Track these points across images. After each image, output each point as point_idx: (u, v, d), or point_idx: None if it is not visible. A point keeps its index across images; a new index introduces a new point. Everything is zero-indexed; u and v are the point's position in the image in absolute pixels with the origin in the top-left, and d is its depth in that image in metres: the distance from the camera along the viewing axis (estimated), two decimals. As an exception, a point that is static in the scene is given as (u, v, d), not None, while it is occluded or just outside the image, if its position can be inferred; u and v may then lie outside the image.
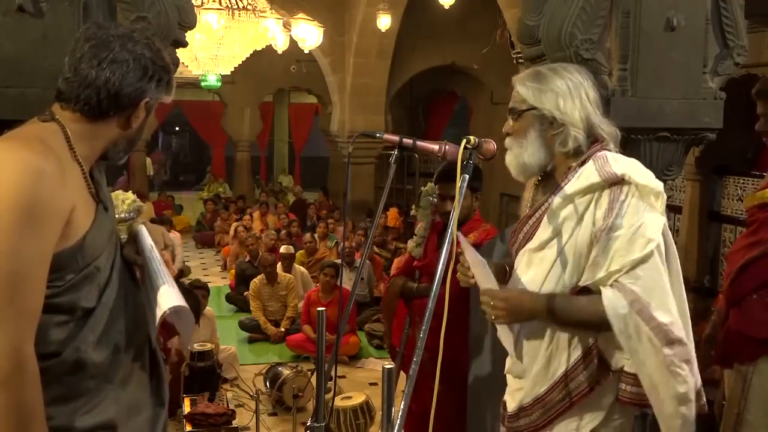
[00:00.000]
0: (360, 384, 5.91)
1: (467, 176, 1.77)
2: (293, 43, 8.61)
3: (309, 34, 8.36)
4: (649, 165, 2.23)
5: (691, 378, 1.89)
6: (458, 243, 1.82)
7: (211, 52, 7.88)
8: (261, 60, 10.83)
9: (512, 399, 2.12)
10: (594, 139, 1.99)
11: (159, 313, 1.66)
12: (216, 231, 12.39)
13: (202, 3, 7.18)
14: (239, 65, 8.51)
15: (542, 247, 1.99)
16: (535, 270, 2.01)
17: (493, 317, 1.98)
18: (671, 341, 1.85)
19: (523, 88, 2.01)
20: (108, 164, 1.76)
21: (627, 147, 2.42)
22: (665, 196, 1.93)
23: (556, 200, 1.96)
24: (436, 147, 1.89)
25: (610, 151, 1.98)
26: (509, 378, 2.15)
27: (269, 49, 8.83)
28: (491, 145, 1.87)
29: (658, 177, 2.01)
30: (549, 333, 1.99)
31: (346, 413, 4.61)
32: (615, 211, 1.88)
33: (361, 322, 7.32)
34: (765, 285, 2.52)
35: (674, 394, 1.87)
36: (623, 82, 2.59)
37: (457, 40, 11.57)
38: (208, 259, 11.63)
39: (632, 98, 2.59)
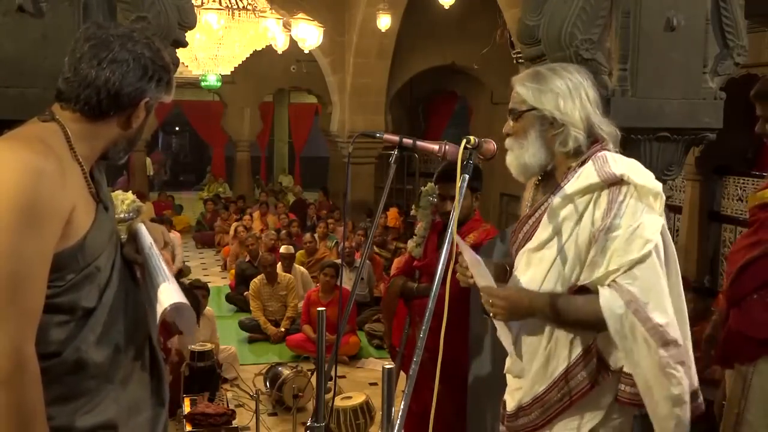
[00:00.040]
0: (360, 384, 5.91)
1: (467, 176, 1.77)
2: (293, 43, 8.61)
3: (309, 34, 8.37)
4: (649, 165, 2.23)
5: (685, 380, 1.89)
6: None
7: (211, 52, 7.88)
8: (261, 60, 10.83)
9: (512, 398, 2.12)
10: (594, 139, 1.99)
11: (160, 310, 1.66)
12: (216, 231, 12.39)
13: (202, 3, 7.18)
14: (239, 65, 8.52)
15: (541, 247, 2.00)
16: (534, 270, 2.01)
17: (491, 314, 1.99)
18: (667, 342, 1.85)
19: (522, 89, 2.01)
20: (108, 164, 1.76)
21: (627, 147, 2.42)
22: (664, 197, 1.93)
23: (556, 200, 1.96)
24: (436, 147, 1.89)
25: (609, 151, 1.98)
26: (509, 377, 2.16)
27: (269, 49, 8.83)
28: (491, 145, 1.87)
29: (658, 177, 2.02)
30: (548, 332, 1.99)
31: (346, 413, 4.61)
32: (613, 212, 1.88)
33: (361, 322, 7.32)
34: (765, 285, 2.52)
35: (668, 395, 1.87)
36: (623, 82, 2.59)
37: (457, 40, 11.57)
38: (208, 259, 11.63)
39: (632, 98, 2.59)
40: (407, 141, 1.96)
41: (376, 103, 11.76)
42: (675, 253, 2.00)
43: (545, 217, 1.99)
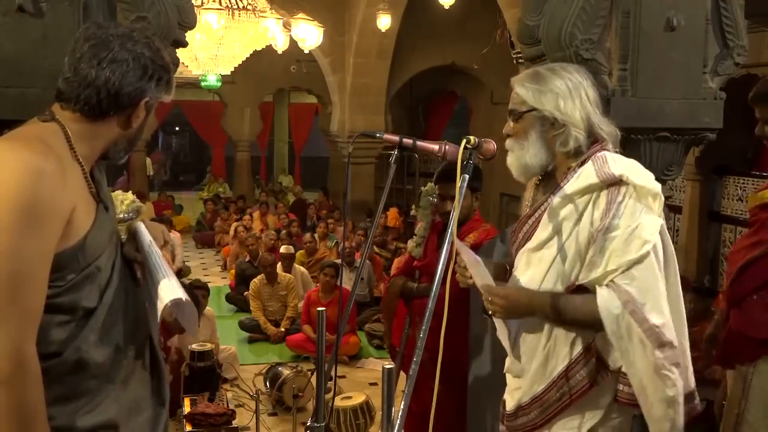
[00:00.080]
0: (360, 384, 5.91)
1: (467, 176, 1.77)
2: (293, 43, 8.61)
3: (309, 34, 8.36)
4: (649, 165, 2.23)
5: (680, 381, 1.89)
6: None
7: (211, 52, 7.88)
8: (261, 60, 10.83)
9: (511, 398, 2.12)
10: (594, 139, 1.99)
11: (160, 306, 1.66)
12: (216, 231, 12.39)
13: (202, 3, 7.18)
14: (239, 65, 8.51)
15: (540, 247, 2.00)
16: (534, 270, 2.01)
17: (490, 312, 2.00)
18: (662, 344, 1.85)
19: (522, 90, 2.01)
20: (108, 164, 1.76)
21: (627, 147, 2.42)
22: (663, 198, 1.93)
23: (556, 200, 1.97)
24: (436, 147, 1.89)
25: (609, 151, 1.98)
26: (508, 377, 2.16)
27: (269, 49, 8.83)
28: (491, 145, 1.87)
29: (658, 177, 2.02)
30: (546, 332, 2.00)
31: (346, 413, 4.61)
32: (612, 212, 1.88)
33: (361, 322, 7.32)
34: (765, 285, 2.52)
35: (663, 397, 1.87)
36: (623, 82, 2.59)
37: (457, 40, 11.57)
38: (208, 259, 11.63)
39: (632, 98, 2.59)
40: (407, 141, 1.96)
41: (376, 103, 11.76)
42: (674, 253, 2.00)
43: (545, 217, 1.99)
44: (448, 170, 3.37)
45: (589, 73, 2.08)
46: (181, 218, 14.21)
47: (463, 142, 1.80)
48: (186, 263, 10.33)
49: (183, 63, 7.90)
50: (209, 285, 6.92)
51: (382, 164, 11.77)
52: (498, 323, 2.10)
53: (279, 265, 7.86)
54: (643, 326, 1.84)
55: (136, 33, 1.62)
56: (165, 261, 1.74)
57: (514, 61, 5.34)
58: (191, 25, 2.42)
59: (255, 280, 7.62)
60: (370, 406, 4.73)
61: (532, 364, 2.03)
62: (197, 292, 5.87)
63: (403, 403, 1.50)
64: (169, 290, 1.66)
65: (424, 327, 1.57)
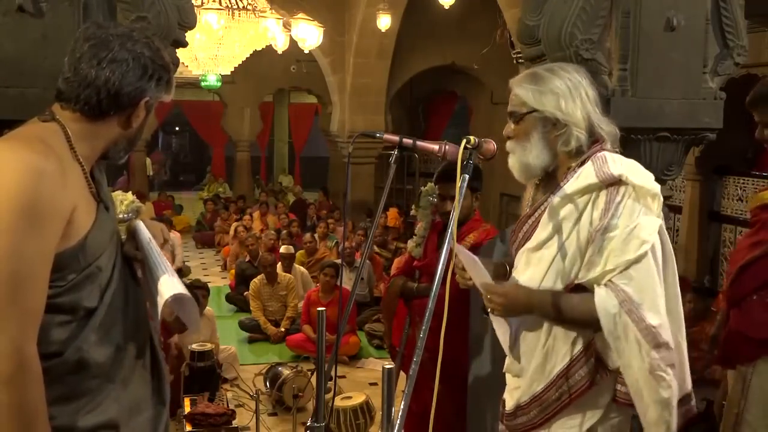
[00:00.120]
0: (360, 384, 5.91)
1: (467, 176, 1.77)
2: (293, 43, 8.61)
3: (309, 34, 8.36)
4: (649, 165, 2.23)
5: (674, 383, 1.89)
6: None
7: (211, 52, 7.88)
8: (261, 60, 10.83)
9: (510, 397, 2.13)
10: (594, 139, 1.99)
11: (161, 302, 1.66)
12: (216, 231, 12.39)
13: (202, 3, 7.18)
14: (239, 65, 8.51)
15: (540, 246, 2.00)
16: (533, 270, 2.01)
17: (489, 309, 2.00)
18: (658, 344, 1.85)
19: (522, 91, 2.00)
20: (108, 164, 1.76)
21: (627, 147, 2.42)
22: (662, 198, 1.93)
23: (556, 200, 1.97)
24: (436, 147, 1.89)
25: (609, 151, 1.98)
26: (508, 377, 2.16)
27: (269, 49, 8.83)
28: (491, 145, 1.86)
29: (658, 177, 2.02)
30: (546, 330, 2.00)
31: (346, 413, 4.61)
32: (611, 212, 1.88)
33: (361, 322, 7.32)
34: (765, 285, 2.52)
35: (658, 398, 1.87)
36: (623, 82, 2.59)
37: (457, 40, 11.57)
38: (208, 259, 11.63)
39: (632, 98, 2.59)
40: (407, 141, 1.96)
41: (376, 103, 11.76)
42: (673, 254, 2.00)
43: (545, 217, 2.00)
44: (448, 170, 3.37)
45: (587, 72, 2.08)
46: (181, 218, 14.21)
47: (463, 142, 1.80)
48: (186, 263, 10.33)
49: (183, 63, 7.89)
50: (209, 285, 6.93)
51: (382, 164, 11.77)
52: (497, 322, 2.10)
53: (279, 265, 7.86)
54: (639, 326, 1.84)
55: (136, 33, 1.62)
56: (165, 258, 1.74)
57: (514, 61, 5.34)
58: (191, 25, 2.42)
59: (255, 280, 7.62)
60: (370, 406, 4.73)
61: (531, 363, 2.03)
62: (197, 292, 5.87)
63: (403, 403, 1.50)
64: (170, 286, 1.66)
65: (424, 327, 1.57)
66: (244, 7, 7.53)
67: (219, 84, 10.46)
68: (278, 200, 14.70)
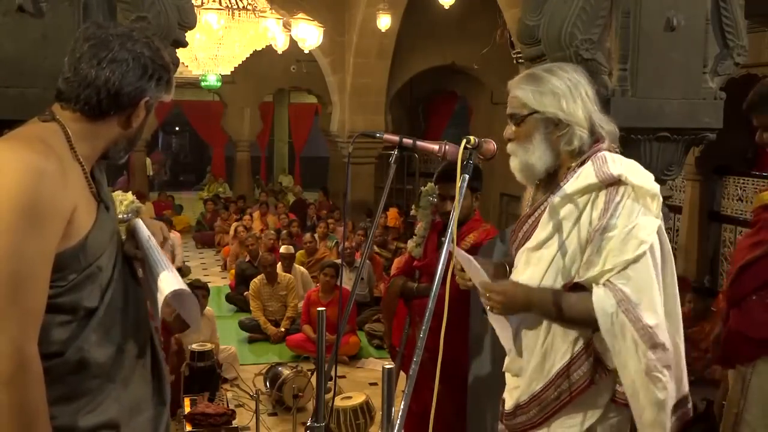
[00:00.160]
0: (360, 384, 5.91)
1: (467, 176, 1.77)
2: (293, 43, 8.61)
3: (309, 34, 8.36)
4: (648, 165, 2.24)
5: (671, 384, 1.89)
6: None
7: (211, 52, 7.88)
8: (261, 60, 10.83)
9: (510, 396, 2.13)
10: (595, 139, 1.99)
11: (161, 298, 1.66)
12: (216, 231, 12.39)
13: (202, 3, 7.18)
14: (239, 65, 8.51)
15: (540, 246, 2.00)
16: (533, 269, 2.01)
17: (488, 307, 2.00)
18: (655, 345, 1.85)
19: (521, 93, 1.99)
20: (108, 164, 1.76)
21: (627, 147, 2.42)
22: (661, 199, 1.93)
23: (556, 200, 1.97)
24: (436, 147, 1.89)
25: (609, 151, 1.98)
26: (507, 376, 2.17)
27: (269, 49, 8.83)
28: (491, 145, 1.86)
29: (658, 177, 2.02)
30: (545, 329, 2.00)
31: (346, 413, 4.61)
32: (610, 212, 1.88)
33: (361, 322, 7.32)
34: (765, 285, 2.52)
35: (654, 400, 1.87)
36: (623, 82, 2.59)
37: (457, 40, 11.57)
38: (208, 259, 11.63)
39: (632, 98, 2.59)
40: (407, 141, 1.96)
41: (376, 103, 11.75)
42: (671, 254, 2.00)
43: (545, 217, 2.00)
44: (448, 170, 3.37)
45: (585, 71, 2.07)
46: (181, 218, 14.21)
47: (463, 142, 1.80)
48: (186, 263, 10.33)
49: (183, 63, 7.89)
50: (209, 285, 6.93)
51: (382, 164, 11.77)
52: (496, 321, 2.09)
53: (279, 265, 7.86)
54: (636, 326, 1.84)
55: (135, 33, 1.63)
56: (164, 255, 1.74)
57: (514, 61, 5.34)
58: (191, 25, 2.42)
59: (255, 280, 7.62)
60: (370, 406, 4.74)
61: (530, 362, 2.03)
62: (197, 292, 5.87)
63: (403, 403, 1.50)
64: (169, 282, 1.66)
65: (424, 327, 1.57)
66: (244, 7, 7.53)
67: (219, 84, 10.46)
68: (278, 200, 14.70)
